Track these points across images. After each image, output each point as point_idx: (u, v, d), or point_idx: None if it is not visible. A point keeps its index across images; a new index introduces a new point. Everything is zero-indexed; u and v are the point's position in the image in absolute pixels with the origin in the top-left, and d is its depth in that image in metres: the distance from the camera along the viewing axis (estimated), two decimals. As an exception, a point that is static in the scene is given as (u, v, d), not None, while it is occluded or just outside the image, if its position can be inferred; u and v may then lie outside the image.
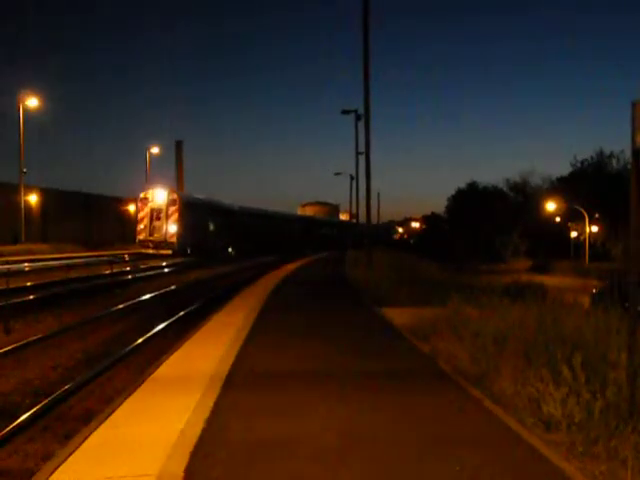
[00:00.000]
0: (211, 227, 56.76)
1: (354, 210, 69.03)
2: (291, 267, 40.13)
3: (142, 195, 50.76)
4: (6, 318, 16.09)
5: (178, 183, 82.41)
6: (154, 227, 49.59)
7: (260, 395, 8.02)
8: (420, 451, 6.02)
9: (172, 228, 49.18)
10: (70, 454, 5.89)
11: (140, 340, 14.07)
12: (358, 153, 46.19)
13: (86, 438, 6.35)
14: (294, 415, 7.14)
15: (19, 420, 8.21)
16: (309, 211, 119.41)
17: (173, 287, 26.96)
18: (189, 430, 6.50)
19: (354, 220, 74.39)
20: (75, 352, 13.29)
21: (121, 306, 19.83)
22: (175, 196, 50.35)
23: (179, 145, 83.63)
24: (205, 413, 7.09)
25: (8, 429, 7.86)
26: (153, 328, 15.64)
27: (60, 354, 13.01)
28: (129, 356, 12.78)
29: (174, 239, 49.08)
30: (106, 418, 7.04)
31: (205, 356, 10.46)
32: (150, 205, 49.78)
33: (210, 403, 7.51)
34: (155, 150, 71.50)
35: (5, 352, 12.47)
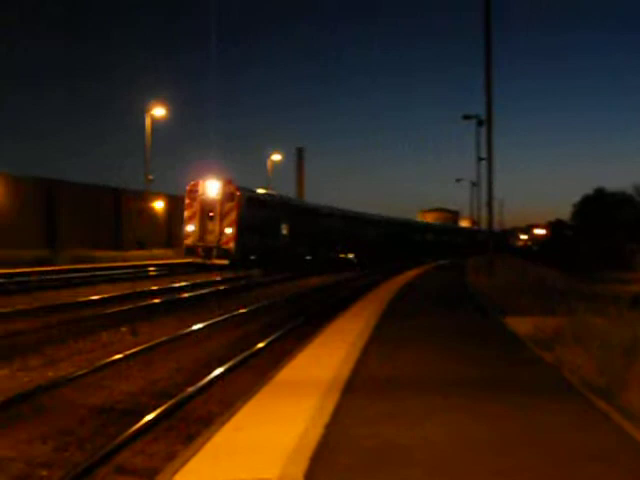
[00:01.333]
0: (284, 230, 47.53)
1: (475, 217, 67.97)
2: (400, 280, 39.70)
3: (190, 187, 41.17)
4: (133, 321, 16.68)
5: (298, 190, 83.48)
6: (205, 229, 40.06)
7: (379, 401, 7.91)
8: (546, 465, 5.74)
9: (228, 231, 39.55)
10: (193, 455, 5.96)
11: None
12: (479, 159, 45.45)
13: (208, 439, 6.42)
14: (414, 422, 6.99)
15: (144, 420, 8.41)
16: (429, 218, 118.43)
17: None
18: (309, 434, 6.46)
19: (475, 227, 73.14)
20: (199, 354, 13.57)
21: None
22: (233, 189, 40.38)
23: (300, 152, 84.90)
24: (325, 418, 7.05)
25: (134, 428, 8.05)
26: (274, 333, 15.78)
27: (184, 356, 13.32)
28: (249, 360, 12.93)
29: (231, 244, 39.46)
30: (228, 420, 7.11)
31: (325, 360, 10.43)
32: (200, 200, 40.35)
33: (330, 408, 7.47)
34: (277, 157, 72.26)
35: (133, 354, 12.87)
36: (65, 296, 22.31)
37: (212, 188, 40.28)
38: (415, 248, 78.51)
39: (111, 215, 55.81)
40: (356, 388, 8.58)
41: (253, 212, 41.78)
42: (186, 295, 24.37)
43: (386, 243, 69.54)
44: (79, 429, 8.43)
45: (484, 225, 45.94)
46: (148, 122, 49.84)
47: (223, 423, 7.01)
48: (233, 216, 39.59)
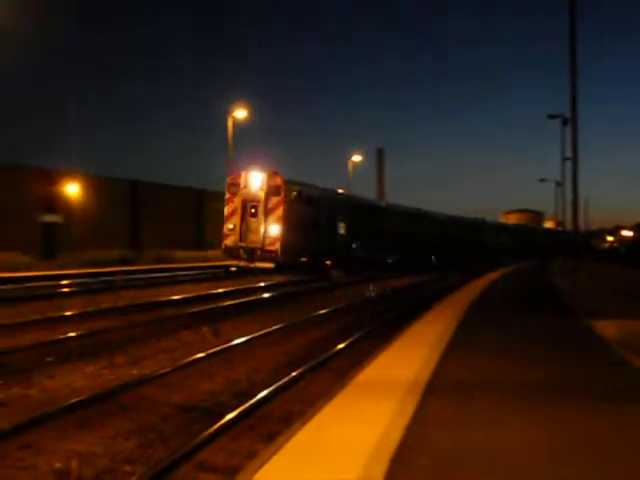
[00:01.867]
0: (341, 230, 42.17)
1: (560, 218, 66.48)
2: (481, 283, 39.07)
3: (230, 180, 36.63)
4: (215, 321, 16.89)
5: (379, 191, 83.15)
6: (247, 227, 35.23)
7: (459, 404, 7.80)
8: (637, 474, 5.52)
9: (274, 229, 34.69)
10: (273, 454, 5.96)
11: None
12: (564, 159, 44.42)
13: (289, 439, 6.41)
14: (494, 426, 6.87)
15: (225, 419, 8.48)
16: (512, 219, 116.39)
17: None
18: (389, 436, 6.39)
19: (560, 228, 71.54)
20: (278, 354, 13.63)
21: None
22: (279, 181, 35.41)
23: (380, 153, 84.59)
24: (405, 420, 6.96)
25: (215, 427, 8.12)
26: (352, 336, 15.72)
27: (264, 356, 13.40)
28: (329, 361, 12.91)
29: (276, 246, 34.49)
30: (309, 420, 7.10)
31: (405, 362, 10.33)
32: (242, 195, 35.47)
33: (410, 410, 7.38)
34: (357, 158, 71.95)
35: (214, 353, 13.02)
36: (148, 295, 22.81)
37: (255, 181, 35.44)
38: (495, 250, 77.10)
39: (193, 215, 56.78)
40: (436, 390, 8.46)
41: (304, 208, 37.08)
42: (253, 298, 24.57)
43: (462, 244, 67.81)
44: (162, 426, 8.56)
45: (569, 226, 44.79)
46: (230, 124, 50.46)
47: (304, 423, 7.00)
48: (279, 213, 34.75)
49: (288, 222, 34.79)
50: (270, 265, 34.68)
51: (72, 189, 43.78)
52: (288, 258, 35.27)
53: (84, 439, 7.87)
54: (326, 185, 43.80)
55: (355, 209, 44.19)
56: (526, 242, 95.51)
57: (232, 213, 35.53)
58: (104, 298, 21.09)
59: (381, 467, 5.53)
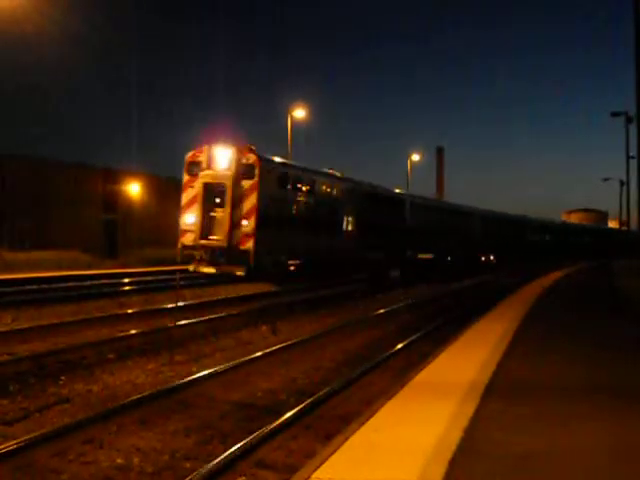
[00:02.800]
0: (349, 225, 34.09)
1: (625, 217, 65.00)
2: (541, 283, 38.37)
3: (189, 158, 27.78)
4: (274, 320, 16.99)
5: (438, 189, 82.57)
6: (211, 220, 26.81)
7: (519, 406, 7.68)
8: None
9: (245, 223, 26.34)
10: (331, 454, 5.94)
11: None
12: (629, 157, 43.41)
13: (347, 439, 6.39)
14: (554, 430, 6.74)
15: (284, 417, 8.50)
16: (574, 219, 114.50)
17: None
18: (447, 438, 6.32)
19: (624, 228, 69.95)
20: (336, 354, 13.62)
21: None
22: (253, 159, 26.83)
23: (440, 151, 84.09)
24: (464, 421, 6.88)
25: (274, 425, 8.14)
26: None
27: (322, 355, 13.40)
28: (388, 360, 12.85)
29: (248, 245, 26.14)
30: (366, 421, 7.07)
31: (465, 363, 10.22)
32: (204, 177, 26.87)
33: (469, 411, 7.29)
34: (416, 157, 71.26)
35: (272, 352, 13.08)
36: (208, 294, 23.06)
37: (222, 159, 27.06)
38: (553, 250, 75.57)
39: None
40: (496, 392, 8.34)
41: (291, 196, 29.24)
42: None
43: (520, 244, 66.13)
44: (221, 423, 8.63)
45: (634, 226, 43.81)
46: (289, 123, 50.64)
47: (362, 423, 6.97)
48: (253, 200, 26.37)
49: (266, 213, 26.75)
50: (240, 271, 26.28)
51: (134, 188, 44.54)
52: (266, 262, 27.19)
53: (145, 435, 7.99)
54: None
55: (367, 199, 36.12)
56: (589, 242, 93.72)
57: (191, 202, 27.13)
58: (161, 297, 21.35)
59: (440, 469, 5.46)
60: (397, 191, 43.21)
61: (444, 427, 6.70)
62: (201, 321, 16.58)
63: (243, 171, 26.57)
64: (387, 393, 8.52)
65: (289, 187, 28.98)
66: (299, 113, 48.86)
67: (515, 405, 7.71)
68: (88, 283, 25.30)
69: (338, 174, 34.95)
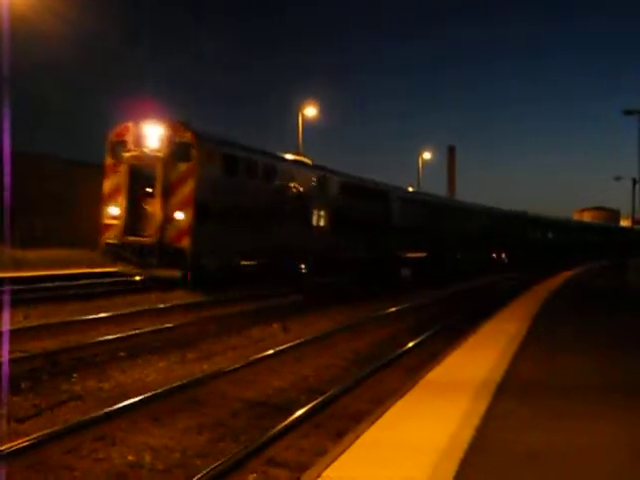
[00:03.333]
0: (320, 220, 30.43)
1: (637, 216, 64.63)
2: (553, 283, 38.12)
3: (113, 137, 23.66)
4: (284, 318, 17.01)
5: (449, 188, 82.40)
6: (138, 213, 22.69)
7: (531, 405, 7.68)
8: None
9: (180, 216, 22.05)
10: (342, 452, 5.95)
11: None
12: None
13: (357, 437, 6.39)
14: (566, 429, 6.73)
15: (295, 416, 8.50)
16: (586, 217, 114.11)
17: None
18: (459, 437, 6.31)
19: (637, 227, 69.56)
20: (347, 352, 13.62)
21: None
22: (189, 138, 22.59)
23: (451, 150, 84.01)
24: (475, 420, 6.87)
25: (285, 423, 8.15)
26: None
27: (333, 353, 13.40)
28: (399, 358, 12.84)
29: (184, 242, 22.01)
30: (377, 419, 7.07)
31: (476, 362, 10.20)
32: (129, 161, 22.76)
33: (481, 410, 7.28)
34: (427, 156, 70.88)
35: (284, 349, 13.08)
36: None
37: (151, 137, 22.66)
38: (563, 248, 74.78)
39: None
40: (507, 391, 8.33)
41: (241, 183, 24.72)
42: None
43: (524, 243, 63.88)
44: (232, 421, 8.64)
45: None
46: (300, 121, 50.56)
47: (373, 421, 6.98)
48: (190, 187, 22.19)
49: (208, 204, 22.66)
50: (175, 273, 22.20)
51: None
52: (209, 263, 23.02)
53: (157, 432, 8.01)
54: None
55: (343, 191, 32.37)
56: (601, 241, 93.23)
57: (115, 190, 22.95)
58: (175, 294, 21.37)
59: (451, 467, 5.46)
60: (381, 183, 38.58)
61: (456, 425, 6.69)
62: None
63: (177, 152, 22.38)
64: (399, 391, 8.51)
65: (240, 173, 24.57)
66: (310, 111, 48.63)
67: (527, 404, 7.70)
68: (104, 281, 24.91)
69: (307, 160, 31.12)
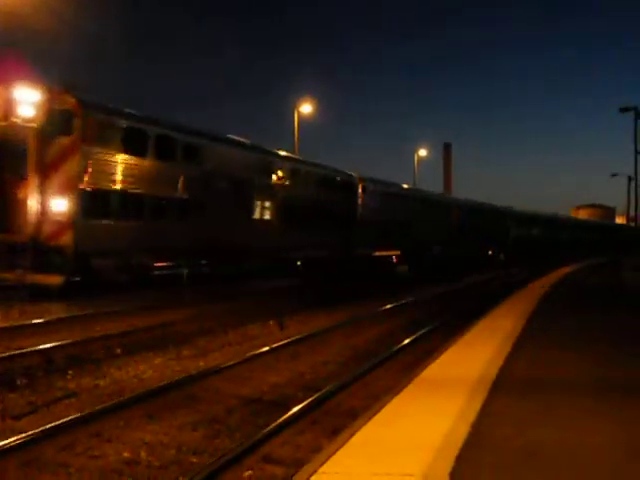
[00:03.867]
0: (263, 213, 26.52)
1: (632, 213, 64.74)
2: (549, 279, 38.11)
3: None
4: (281, 315, 17.01)
5: (446, 184, 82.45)
6: (5, 202, 18.67)
7: (526, 401, 7.65)
8: None
9: (60, 204, 18.17)
10: (338, 449, 5.93)
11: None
12: (637, 153, 43.20)
13: (353, 434, 6.38)
14: (562, 425, 6.71)
15: (291, 412, 8.49)
16: (582, 214, 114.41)
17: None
18: (455, 433, 6.30)
19: (632, 224, 69.69)
20: (344, 349, 13.61)
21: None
22: (71, 105, 18.49)
23: (447, 148, 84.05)
24: (471, 417, 6.86)
25: (281, 420, 8.13)
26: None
27: (330, 350, 13.40)
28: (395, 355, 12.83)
29: (67, 239, 18.23)
30: (373, 416, 7.05)
31: (472, 359, 10.20)
32: None
33: (476, 407, 7.27)
34: (423, 152, 70.60)
35: (280, 346, 13.07)
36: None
37: (22, 104, 18.17)
38: (560, 245, 74.74)
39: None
40: (503, 388, 8.31)
41: (155, 166, 20.79)
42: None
43: (506, 240, 60.85)
44: (228, 418, 8.63)
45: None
46: (296, 118, 50.50)
47: (368, 418, 6.96)
48: (72, 167, 18.11)
49: (101, 189, 18.52)
50: (54, 279, 17.87)
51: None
52: (104, 265, 18.79)
53: (152, 429, 7.99)
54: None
55: (294, 179, 28.25)
56: (596, 238, 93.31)
57: None
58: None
59: (446, 464, 5.44)
60: (346, 172, 34.59)
61: (451, 422, 6.68)
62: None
63: (56, 122, 18.03)
64: (394, 388, 8.49)
65: (149, 152, 20.39)
66: (306, 108, 48.49)
67: (523, 401, 7.68)
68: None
69: (245, 141, 26.25)
